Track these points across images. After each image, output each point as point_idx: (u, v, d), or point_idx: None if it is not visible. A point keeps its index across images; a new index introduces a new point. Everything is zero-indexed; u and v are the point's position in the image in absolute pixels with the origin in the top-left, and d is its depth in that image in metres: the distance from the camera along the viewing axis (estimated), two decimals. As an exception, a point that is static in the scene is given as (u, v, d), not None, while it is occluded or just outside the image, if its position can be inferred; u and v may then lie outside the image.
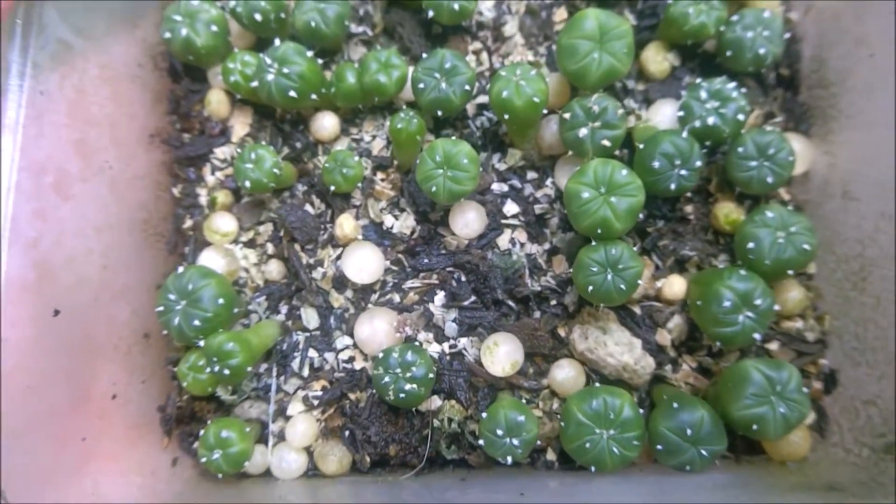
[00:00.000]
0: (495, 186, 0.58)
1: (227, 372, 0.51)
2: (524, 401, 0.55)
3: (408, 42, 0.60)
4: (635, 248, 0.54)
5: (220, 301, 0.53)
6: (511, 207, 0.57)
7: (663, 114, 0.56)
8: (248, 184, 0.55)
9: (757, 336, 0.50)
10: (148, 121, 0.60)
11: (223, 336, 0.52)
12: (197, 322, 0.52)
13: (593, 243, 0.50)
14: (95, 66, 0.55)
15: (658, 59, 0.58)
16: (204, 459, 0.52)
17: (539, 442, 0.54)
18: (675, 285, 0.54)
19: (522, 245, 0.57)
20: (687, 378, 0.54)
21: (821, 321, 0.55)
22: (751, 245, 0.51)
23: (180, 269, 0.54)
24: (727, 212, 0.54)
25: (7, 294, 0.46)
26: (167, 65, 0.63)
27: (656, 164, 0.51)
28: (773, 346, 0.54)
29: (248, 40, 0.62)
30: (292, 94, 0.55)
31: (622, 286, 0.50)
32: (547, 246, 0.57)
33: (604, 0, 0.60)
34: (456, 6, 0.56)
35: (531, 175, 0.58)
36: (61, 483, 0.48)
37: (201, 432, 0.53)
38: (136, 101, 0.59)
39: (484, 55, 0.60)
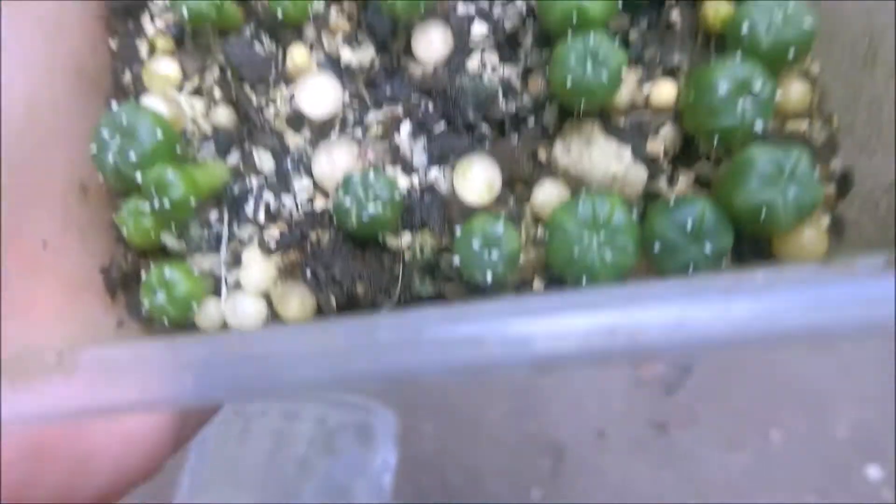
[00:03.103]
0: (460, 8, 0.52)
1: (168, 205, 0.46)
2: (505, 231, 0.49)
3: None
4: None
5: (159, 134, 0.48)
6: (479, 28, 0.52)
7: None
8: (185, 12, 0.50)
9: (758, 127, 0.44)
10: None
11: (162, 167, 0.46)
12: (133, 156, 0.47)
13: (569, 36, 0.45)
14: None
15: None
16: (147, 304, 0.47)
17: (522, 266, 0.48)
18: (665, 90, 0.49)
19: (494, 68, 0.51)
20: (685, 192, 0.49)
21: (829, 122, 0.49)
22: (745, 27, 0.45)
23: (115, 107, 0.48)
24: (716, 8, 0.49)
25: None
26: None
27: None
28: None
29: None
30: None
31: (603, 76, 0.44)
32: (521, 66, 0.51)
33: None
34: None
35: (499, -3, 0.53)
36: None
37: (143, 276, 0.47)
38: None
39: None
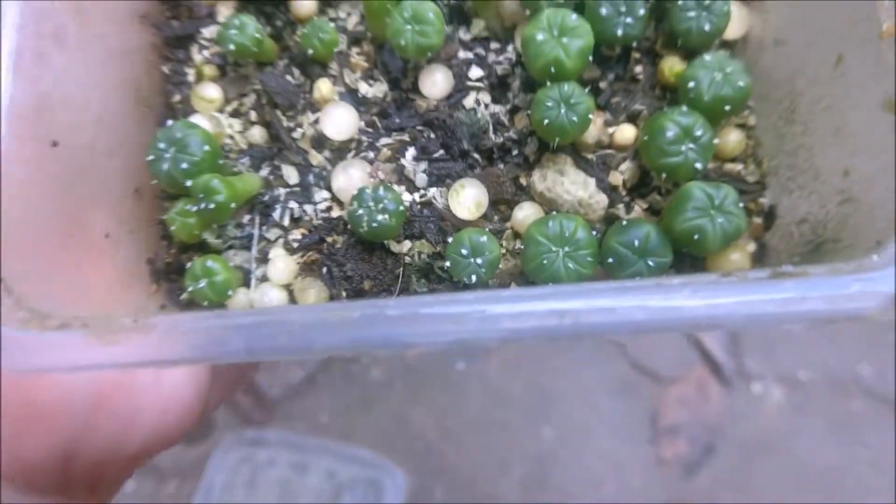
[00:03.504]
0: (461, 54, 0.63)
1: (212, 207, 0.56)
2: (489, 242, 0.59)
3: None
4: (590, 105, 0.59)
5: (206, 147, 0.57)
6: (476, 72, 0.62)
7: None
8: (231, 47, 0.60)
9: (699, 166, 0.54)
10: (138, 5, 0.65)
11: (209, 175, 0.56)
12: (185, 165, 0.57)
13: (548, 83, 0.56)
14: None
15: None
16: (190, 288, 0.56)
17: (501, 273, 0.58)
18: (627, 131, 0.59)
19: (487, 105, 0.62)
20: (640, 217, 0.59)
21: (760, 165, 0.60)
22: (691, 84, 0.56)
23: (170, 123, 0.58)
24: (671, 65, 0.59)
25: (8, 116, 0.50)
26: (157, -46, 0.68)
27: (603, 11, 0.56)
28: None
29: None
30: (273, -35, 0.60)
31: (574, 118, 0.55)
32: (509, 106, 0.61)
33: None
34: None
35: (494, 45, 0.63)
36: (56, 304, 0.52)
37: (188, 265, 0.57)
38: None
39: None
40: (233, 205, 0.57)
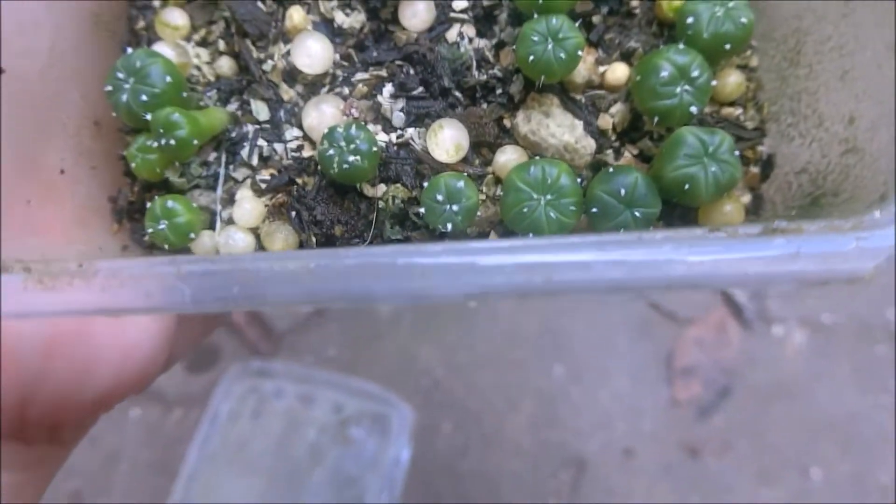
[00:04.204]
0: (445, -17, 0.58)
1: (173, 142, 0.52)
2: (469, 187, 0.56)
3: None
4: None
5: (168, 78, 0.54)
6: (460, 2, 0.57)
7: None
8: (196, -31, 0.56)
9: (694, 109, 0.51)
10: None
11: (169, 108, 0.52)
12: (144, 97, 0.53)
13: (535, 16, 0.51)
14: None
15: None
16: (150, 230, 0.53)
17: (480, 220, 0.55)
18: (619, 70, 0.55)
19: (471, 40, 0.57)
20: (629, 164, 0.55)
21: (760, 110, 0.56)
22: (690, 19, 0.52)
23: (129, 50, 0.54)
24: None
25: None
26: None
27: (598, -62, 0.52)
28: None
29: None
30: None
31: (562, 55, 0.51)
32: (495, 40, 0.57)
33: None
34: None
35: (481, -26, 0.58)
36: (3, 241, 0.49)
37: (147, 205, 0.54)
38: None
39: None
40: (195, 141, 0.53)
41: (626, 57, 0.57)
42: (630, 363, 1.50)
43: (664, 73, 0.50)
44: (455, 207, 0.51)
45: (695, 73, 0.50)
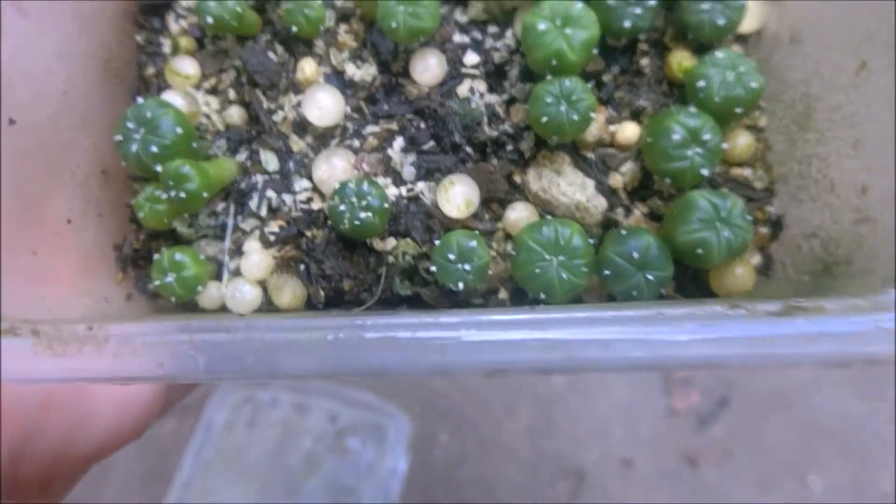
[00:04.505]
0: (456, 38, 0.58)
1: (183, 195, 0.52)
2: (478, 242, 0.55)
3: None
4: (592, 98, 0.55)
5: (179, 130, 0.53)
6: (471, 58, 0.58)
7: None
8: (209, 20, 0.56)
9: (705, 172, 0.51)
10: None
11: (179, 160, 0.52)
12: (155, 148, 0.52)
13: (548, 77, 0.52)
14: None
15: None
16: (157, 283, 0.52)
17: (491, 277, 0.55)
18: (629, 130, 0.55)
19: (482, 95, 0.57)
20: (639, 223, 0.55)
21: (769, 170, 0.56)
22: (701, 83, 0.52)
23: (140, 100, 0.54)
24: (680, 59, 0.56)
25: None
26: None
27: (612, 2, 0.52)
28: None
29: None
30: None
31: (575, 117, 0.51)
32: (506, 96, 0.57)
33: None
34: None
35: (492, 29, 0.59)
36: (8, 293, 0.48)
37: (155, 256, 0.53)
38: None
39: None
40: (205, 194, 0.53)
41: (636, 115, 0.57)
42: (628, 372, 1.46)
43: (676, 136, 0.50)
44: (467, 267, 0.50)
45: (706, 137, 0.50)
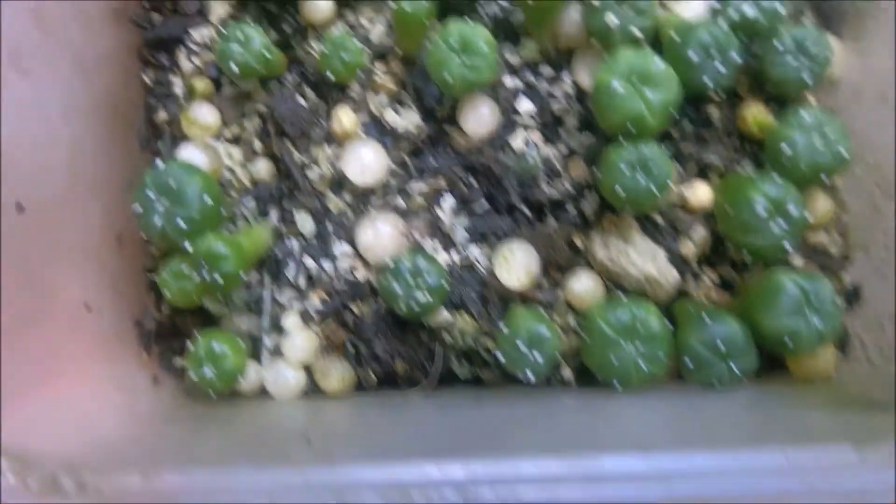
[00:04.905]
0: (507, 80, 0.53)
1: (219, 279, 0.46)
2: (538, 313, 0.51)
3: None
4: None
5: (207, 199, 0.47)
6: (525, 105, 0.52)
7: (693, 9, 0.51)
8: (234, 68, 0.49)
9: (789, 247, 0.47)
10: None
11: (213, 238, 0.46)
12: (182, 223, 0.46)
13: (623, 142, 0.47)
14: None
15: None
16: (194, 376, 0.47)
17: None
18: (701, 193, 0.51)
19: (538, 146, 0.52)
20: (709, 292, 0.52)
21: (845, 235, 0.53)
22: (785, 147, 0.48)
23: (160, 165, 0.47)
24: (756, 113, 0.51)
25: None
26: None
27: (693, 56, 0.47)
28: (797, 259, 0.52)
29: None
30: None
31: (653, 188, 0.46)
32: (564, 148, 0.52)
33: None
34: None
35: (546, 70, 0.53)
36: (29, 399, 0.42)
37: (189, 346, 0.48)
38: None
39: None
40: (242, 274, 0.47)
41: (704, 171, 0.53)
42: None
43: (759, 210, 0.46)
44: (538, 356, 0.46)
45: (791, 209, 0.46)
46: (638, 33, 0.48)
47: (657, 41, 0.49)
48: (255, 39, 0.49)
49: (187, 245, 0.46)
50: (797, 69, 0.49)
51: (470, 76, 0.48)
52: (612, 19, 0.47)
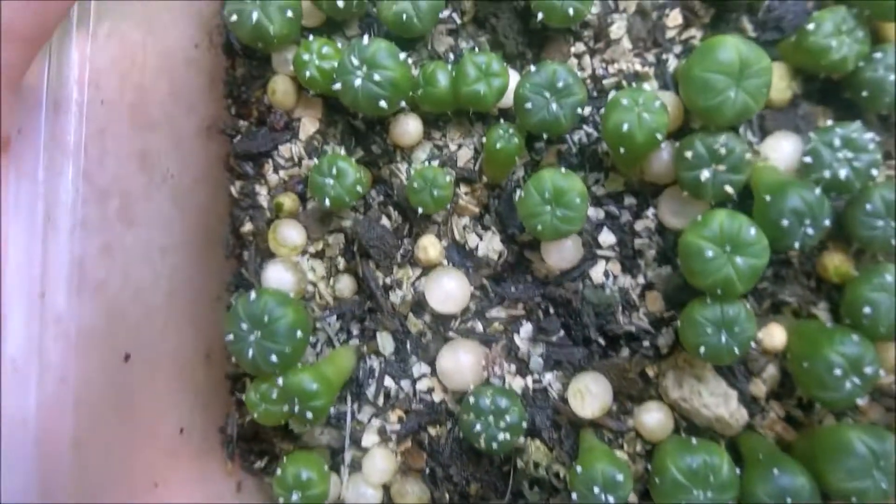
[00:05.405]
0: (591, 212, 0.53)
1: (309, 415, 0.48)
2: (607, 440, 0.53)
3: (502, 36, 0.54)
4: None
5: (299, 334, 0.49)
6: (607, 237, 0.53)
7: (782, 150, 0.52)
8: (328, 202, 0.50)
9: (860, 402, 0.49)
10: (204, 110, 0.53)
11: (305, 374, 0.48)
12: (274, 358, 0.48)
13: (707, 299, 0.48)
14: (154, 56, 0.47)
15: (781, 87, 0.52)
16: (281, 500, 0.50)
17: (622, 485, 0.53)
18: (777, 337, 0.52)
19: (616, 277, 0.53)
20: (774, 426, 0.53)
21: (912, 377, 0.54)
22: (867, 310, 0.49)
23: (252, 296, 0.49)
24: (838, 263, 0.52)
25: (79, 347, 0.41)
26: (223, 39, 0.55)
27: (785, 223, 0.47)
28: (863, 400, 0.53)
29: (318, 18, 0.54)
30: (382, 104, 0.48)
31: (735, 349, 0.47)
32: (641, 280, 0.53)
33: (721, 5, 0.54)
34: (570, 10, 0.50)
35: (629, 200, 0.54)
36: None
37: (277, 471, 0.50)
38: (192, 90, 0.52)
39: (586, 58, 0.54)
40: (331, 406, 0.49)
41: (777, 308, 0.54)
42: None
43: (837, 370, 0.47)
44: (611, 499, 0.48)
45: (867, 369, 0.48)
46: (730, 190, 0.48)
47: (748, 191, 0.50)
48: (349, 175, 0.50)
49: (279, 379, 0.48)
50: (887, 231, 0.49)
51: (561, 228, 0.48)
52: (705, 174, 0.48)
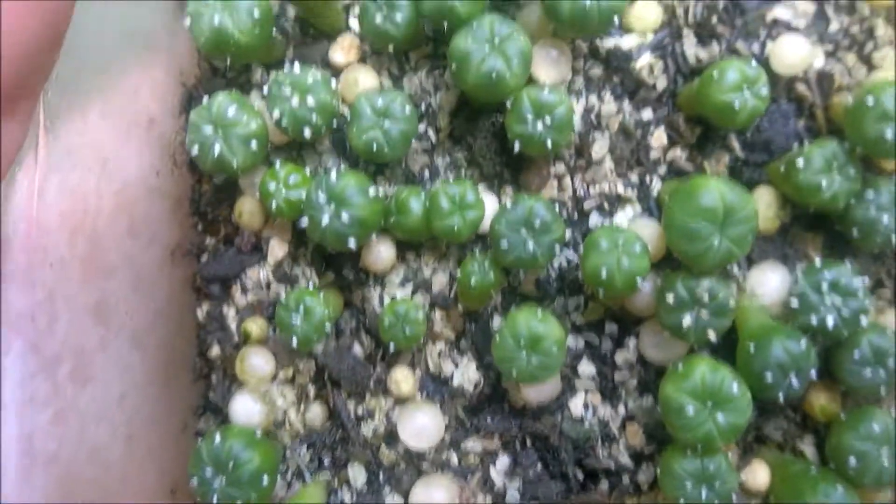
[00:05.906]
0: (570, 340, 0.51)
1: (275, 565, 0.47)
2: (584, 575, 0.52)
3: (479, 156, 0.51)
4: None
5: (265, 480, 0.47)
6: (587, 368, 0.51)
7: (769, 285, 0.50)
8: (294, 342, 0.48)
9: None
10: (169, 235, 0.51)
11: (271, 526, 0.47)
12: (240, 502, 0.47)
13: (688, 453, 0.46)
14: (110, 197, 0.45)
15: (769, 216, 0.50)
16: None
17: None
18: (760, 477, 0.50)
19: (595, 408, 0.52)
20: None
21: (898, 511, 0.53)
22: (853, 461, 0.47)
23: (217, 438, 0.47)
24: (824, 403, 0.50)
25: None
26: (187, 158, 0.52)
27: (769, 377, 0.45)
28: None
29: (283, 139, 0.51)
30: (351, 242, 0.46)
31: (715, 502, 0.46)
32: (622, 410, 0.52)
33: (708, 124, 0.51)
34: (548, 142, 0.47)
35: (610, 328, 0.52)
36: None
37: None
38: (154, 219, 0.49)
39: (567, 179, 0.52)
40: (299, 552, 0.48)
41: (761, 440, 0.52)
42: None
43: (813, 507, 0.46)
44: None
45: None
46: (713, 335, 0.46)
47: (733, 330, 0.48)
48: (317, 312, 0.48)
49: (244, 523, 0.47)
50: (875, 379, 0.47)
51: (538, 374, 0.46)
52: (686, 320, 0.46)
